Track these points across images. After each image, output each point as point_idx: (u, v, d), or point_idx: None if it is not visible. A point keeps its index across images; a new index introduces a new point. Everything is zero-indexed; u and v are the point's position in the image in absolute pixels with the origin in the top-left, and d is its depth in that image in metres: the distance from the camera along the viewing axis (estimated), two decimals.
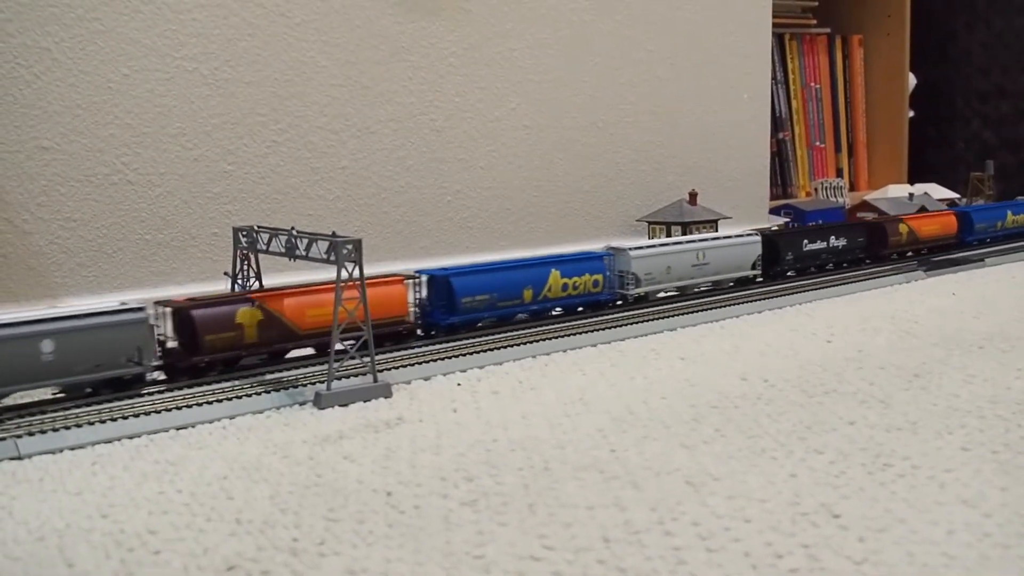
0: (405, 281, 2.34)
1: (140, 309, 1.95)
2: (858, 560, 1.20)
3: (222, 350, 2.05)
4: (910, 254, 3.69)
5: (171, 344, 2.05)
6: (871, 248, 3.51)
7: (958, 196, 4.70)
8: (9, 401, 1.82)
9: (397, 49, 3.07)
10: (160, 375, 2.03)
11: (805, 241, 3.27)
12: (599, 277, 2.66)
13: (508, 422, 1.79)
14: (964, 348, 2.29)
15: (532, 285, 2.52)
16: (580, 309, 2.67)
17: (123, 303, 1.98)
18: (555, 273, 2.56)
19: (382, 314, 2.20)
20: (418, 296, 2.37)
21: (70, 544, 1.29)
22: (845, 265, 3.42)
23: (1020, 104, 5.31)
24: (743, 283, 3.08)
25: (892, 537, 1.26)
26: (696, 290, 2.96)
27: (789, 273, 3.24)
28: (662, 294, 2.87)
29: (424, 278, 2.40)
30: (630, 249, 2.75)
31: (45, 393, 1.90)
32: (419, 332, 2.38)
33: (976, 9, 5.39)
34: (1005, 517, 1.32)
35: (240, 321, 2.06)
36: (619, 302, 2.75)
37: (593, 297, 2.66)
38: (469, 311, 2.41)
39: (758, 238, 3.10)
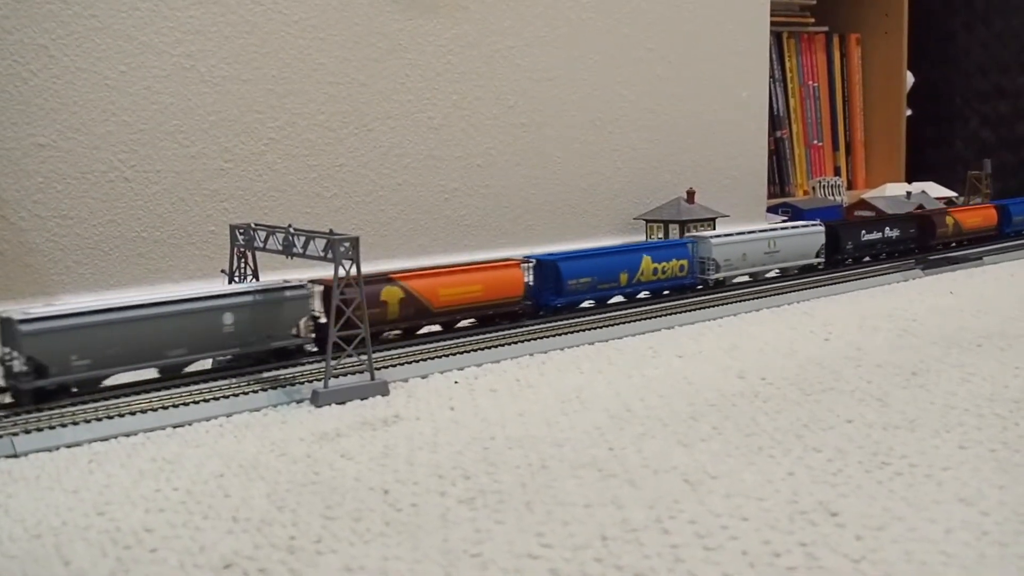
0: (521, 265, 2.51)
1: (302, 286, 2.12)
2: (856, 558, 1.19)
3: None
4: (954, 244, 3.83)
5: (323, 319, 2.14)
6: (920, 239, 3.66)
7: (955, 195, 4.70)
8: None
9: (395, 46, 3.06)
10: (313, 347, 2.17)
11: (863, 231, 3.46)
12: (684, 262, 2.83)
13: (505, 420, 1.79)
14: (962, 347, 2.29)
15: (627, 269, 2.71)
16: (666, 292, 2.82)
17: (286, 280, 2.14)
18: (647, 259, 2.75)
19: (501, 295, 2.45)
20: (527, 280, 2.53)
21: (66, 542, 1.29)
22: (896, 255, 3.59)
23: (1019, 103, 5.32)
24: (807, 270, 3.25)
25: (890, 535, 1.26)
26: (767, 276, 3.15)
27: (847, 261, 3.42)
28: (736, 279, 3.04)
29: (533, 262, 2.55)
30: (711, 237, 2.96)
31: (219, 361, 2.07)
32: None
33: (975, 9, 5.39)
34: (1003, 515, 1.32)
35: (384, 299, 2.20)
36: (699, 287, 2.91)
37: (679, 281, 2.85)
38: (573, 293, 2.60)
39: (822, 228, 3.29)
